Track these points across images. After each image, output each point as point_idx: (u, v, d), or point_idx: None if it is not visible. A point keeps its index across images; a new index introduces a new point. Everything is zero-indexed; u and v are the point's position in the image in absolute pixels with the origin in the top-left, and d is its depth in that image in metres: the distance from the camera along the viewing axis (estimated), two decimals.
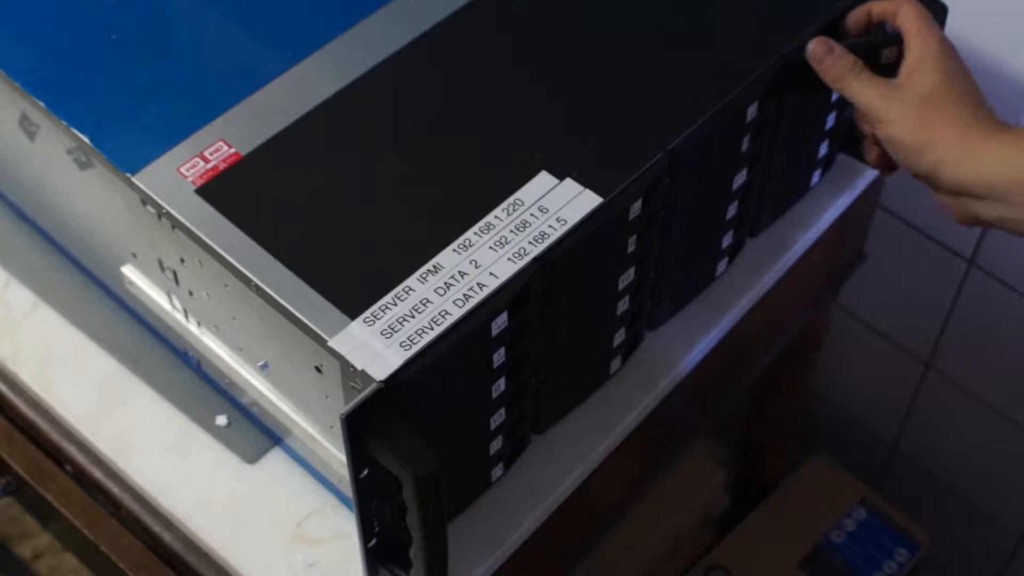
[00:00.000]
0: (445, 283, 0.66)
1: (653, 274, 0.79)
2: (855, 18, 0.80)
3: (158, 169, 0.72)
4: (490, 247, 0.68)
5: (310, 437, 0.76)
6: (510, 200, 0.70)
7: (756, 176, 0.82)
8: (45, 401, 0.85)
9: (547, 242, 0.68)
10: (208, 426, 0.83)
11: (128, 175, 0.71)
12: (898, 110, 0.74)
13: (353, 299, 0.66)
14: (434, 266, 0.67)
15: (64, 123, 0.74)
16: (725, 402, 1.03)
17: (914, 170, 0.76)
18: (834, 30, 0.78)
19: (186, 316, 0.80)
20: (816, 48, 0.77)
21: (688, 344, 0.86)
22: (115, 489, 0.83)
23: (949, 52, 0.75)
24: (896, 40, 0.77)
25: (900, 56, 0.76)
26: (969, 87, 0.75)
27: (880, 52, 0.77)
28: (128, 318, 0.88)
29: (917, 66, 0.74)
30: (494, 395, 0.70)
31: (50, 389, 0.85)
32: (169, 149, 0.73)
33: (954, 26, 0.90)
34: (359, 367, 0.63)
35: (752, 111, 0.76)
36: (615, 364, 0.82)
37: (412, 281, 0.66)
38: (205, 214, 0.70)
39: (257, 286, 0.67)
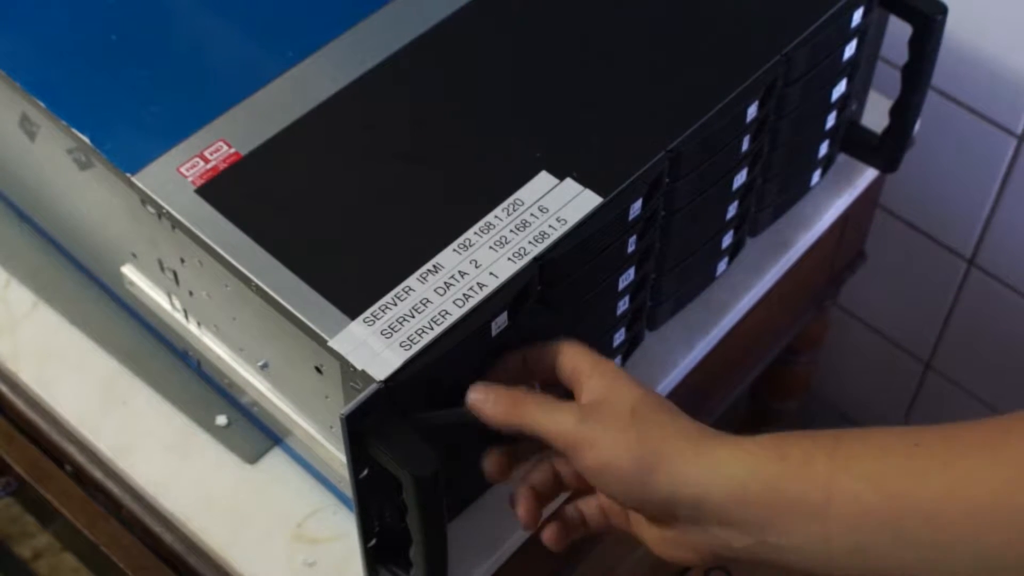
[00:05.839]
0: (445, 283, 0.66)
1: (653, 274, 0.79)
2: (508, 366, 0.67)
3: (158, 169, 0.72)
4: (490, 247, 0.68)
5: (310, 437, 0.76)
6: (510, 200, 0.70)
7: (756, 176, 0.82)
8: (45, 401, 0.85)
9: (547, 242, 0.68)
10: (208, 426, 0.83)
11: (128, 175, 0.71)
12: (604, 429, 0.60)
13: (353, 299, 0.66)
14: (434, 266, 0.67)
15: (64, 123, 0.74)
16: (725, 402, 1.04)
17: (639, 501, 0.61)
18: (829, 32, 0.78)
19: (186, 316, 0.80)
20: (473, 397, 0.65)
21: (688, 344, 0.86)
22: (115, 489, 0.83)
23: (632, 379, 0.64)
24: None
25: None
26: (675, 407, 0.63)
27: None
28: (128, 318, 0.88)
29: (610, 386, 0.62)
30: None
31: (50, 389, 0.85)
32: (169, 149, 0.73)
33: (954, 26, 0.90)
34: (359, 367, 0.63)
35: (752, 111, 0.76)
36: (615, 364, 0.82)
37: (412, 281, 0.66)
38: (205, 214, 0.70)
39: (257, 286, 0.67)
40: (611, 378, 0.63)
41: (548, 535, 0.69)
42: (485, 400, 0.65)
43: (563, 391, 0.67)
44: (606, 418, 0.61)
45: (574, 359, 0.66)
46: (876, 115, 0.91)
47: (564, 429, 0.62)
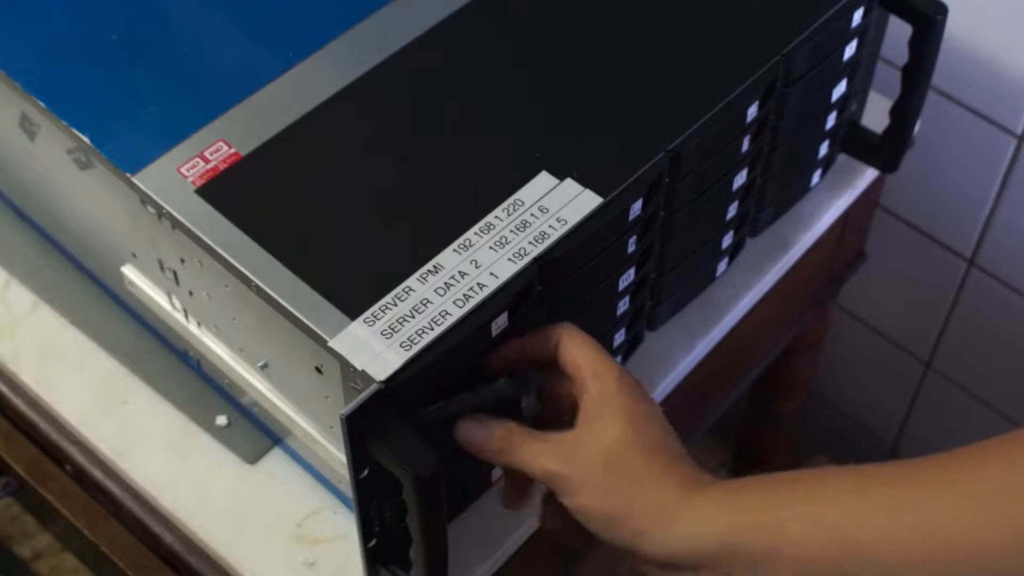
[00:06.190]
0: (445, 283, 0.66)
1: (653, 274, 0.79)
2: (505, 356, 0.67)
3: (158, 169, 0.72)
4: (490, 247, 0.68)
5: (310, 437, 0.76)
6: (510, 200, 0.70)
7: (756, 176, 0.82)
8: (45, 401, 0.85)
9: (547, 242, 0.68)
10: (208, 426, 0.83)
11: (128, 175, 0.71)
12: (581, 474, 0.62)
13: (353, 299, 0.66)
14: (434, 266, 0.67)
15: (64, 123, 0.74)
16: (725, 402, 1.04)
17: (612, 542, 0.63)
18: (829, 32, 0.78)
19: (186, 316, 0.80)
20: (462, 433, 0.65)
21: (688, 344, 0.86)
22: (115, 489, 0.83)
23: (632, 389, 0.64)
24: (531, 387, 0.66)
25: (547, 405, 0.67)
26: (662, 431, 0.64)
27: (519, 405, 0.66)
28: (128, 318, 0.88)
29: (597, 412, 0.63)
30: None
31: (50, 389, 0.85)
32: (169, 149, 0.73)
33: (954, 26, 0.90)
34: (359, 367, 0.63)
35: (752, 111, 0.76)
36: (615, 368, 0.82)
37: (412, 281, 0.66)
38: (205, 214, 0.70)
39: (257, 286, 0.67)
40: (600, 399, 0.64)
41: (548, 523, 0.70)
42: (472, 437, 0.65)
43: (563, 374, 0.67)
44: (582, 462, 0.63)
45: (575, 353, 0.66)
46: (876, 115, 0.91)
47: (546, 470, 0.63)
